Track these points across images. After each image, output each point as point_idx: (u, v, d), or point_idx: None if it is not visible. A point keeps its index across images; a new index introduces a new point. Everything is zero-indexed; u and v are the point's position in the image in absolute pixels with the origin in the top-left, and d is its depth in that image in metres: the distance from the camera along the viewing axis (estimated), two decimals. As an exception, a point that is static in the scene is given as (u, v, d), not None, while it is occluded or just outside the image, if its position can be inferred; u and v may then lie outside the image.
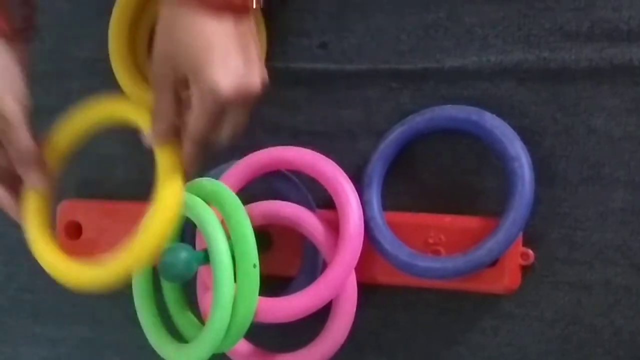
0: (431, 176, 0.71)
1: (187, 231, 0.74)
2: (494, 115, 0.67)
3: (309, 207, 0.70)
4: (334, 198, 0.68)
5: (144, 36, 0.79)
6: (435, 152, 0.71)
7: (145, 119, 0.63)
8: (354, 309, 0.69)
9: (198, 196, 0.66)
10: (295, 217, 0.69)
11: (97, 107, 0.67)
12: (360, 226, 0.67)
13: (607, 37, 0.66)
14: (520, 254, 0.66)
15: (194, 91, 0.56)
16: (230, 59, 0.56)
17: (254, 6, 0.58)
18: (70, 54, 0.84)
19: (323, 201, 0.70)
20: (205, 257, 0.65)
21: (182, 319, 0.73)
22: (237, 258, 0.64)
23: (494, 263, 0.66)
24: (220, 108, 0.57)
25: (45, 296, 0.88)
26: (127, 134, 0.75)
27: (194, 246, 0.71)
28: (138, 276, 0.71)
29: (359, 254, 0.67)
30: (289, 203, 0.70)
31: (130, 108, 0.66)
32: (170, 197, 0.62)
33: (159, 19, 0.57)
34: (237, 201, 0.65)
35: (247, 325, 0.65)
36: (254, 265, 0.63)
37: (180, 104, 0.58)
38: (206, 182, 0.67)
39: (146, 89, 0.75)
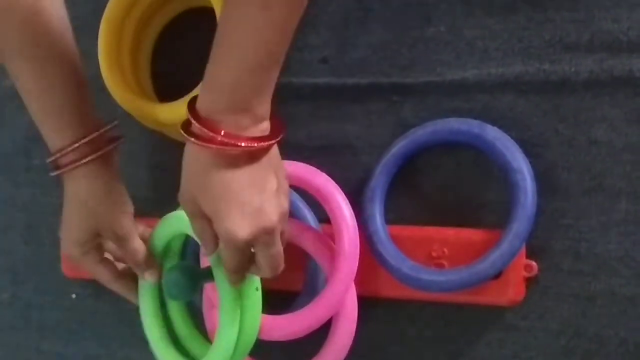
0: (434, 189, 0.71)
1: (190, 248, 0.74)
2: (496, 128, 0.67)
3: (311, 222, 0.71)
4: (329, 214, 0.68)
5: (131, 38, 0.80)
6: (438, 165, 0.71)
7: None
8: (354, 323, 0.69)
9: None
10: (295, 233, 0.69)
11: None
12: (356, 243, 0.67)
13: (607, 48, 0.66)
14: (524, 266, 0.66)
15: (217, 233, 0.59)
16: (245, 204, 0.57)
17: (274, 142, 0.59)
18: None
19: (325, 216, 0.70)
20: (210, 275, 0.66)
21: (189, 336, 0.74)
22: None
23: (497, 275, 0.66)
24: (244, 247, 0.59)
25: (51, 313, 0.88)
26: (130, 150, 0.76)
27: (197, 263, 0.71)
28: (145, 294, 0.72)
29: (355, 269, 0.67)
30: (292, 219, 0.70)
31: None
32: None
33: (185, 153, 0.59)
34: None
35: (250, 345, 0.65)
36: (257, 289, 0.63)
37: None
38: None
39: (135, 93, 0.77)
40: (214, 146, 0.56)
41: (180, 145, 0.80)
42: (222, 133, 0.55)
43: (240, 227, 0.57)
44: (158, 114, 0.74)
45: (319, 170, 0.69)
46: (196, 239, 0.63)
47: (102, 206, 0.68)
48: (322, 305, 0.66)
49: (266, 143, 0.57)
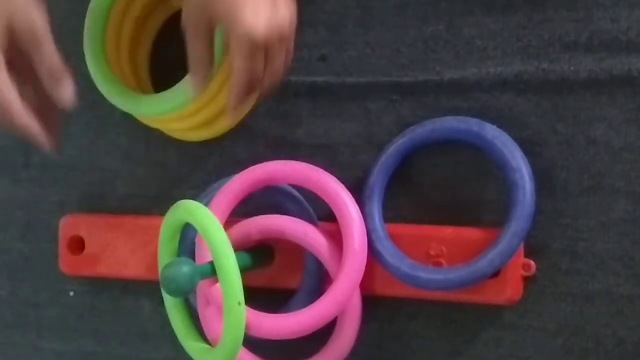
0: (432, 187, 0.71)
1: (186, 244, 0.74)
2: (495, 127, 0.67)
3: (311, 221, 0.71)
4: (335, 213, 0.68)
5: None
6: (436, 164, 0.71)
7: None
8: (359, 323, 0.69)
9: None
10: (297, 232, 0.69)
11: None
12: (364, 241, 0.67)
13: (606, 48, 0.66)
14: (521, 265, 0.66)
15: (231, 37, 0.59)
16: (259, 3, 0.58)
17: None
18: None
19: (324, 214, 0.71)
20: (207, 271, 0.66)
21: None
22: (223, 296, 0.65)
23: (495, 274, 0.66)
24: (258, 50, 0.59)
25: (49, 311, 0.88)
26: (129, 149, 0.76)
27: (193, 258, 0.71)
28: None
29: (363, 269, 0.67)
30: (291, 217, 0.71)
31: None
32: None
33: None
34: (224, 238, 0.65)
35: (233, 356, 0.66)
36: (239, 303, 0.63)
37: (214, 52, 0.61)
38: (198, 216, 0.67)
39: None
40: None
41: (178, 143, 0.81)
42: None
43: (257, 24, 0.58)
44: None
45: (323, 170, 0.69)
46: (210, 243, 0.63)
47: None
48: (331, 302, 0.66)
49: None
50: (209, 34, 0.60)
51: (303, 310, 0.67)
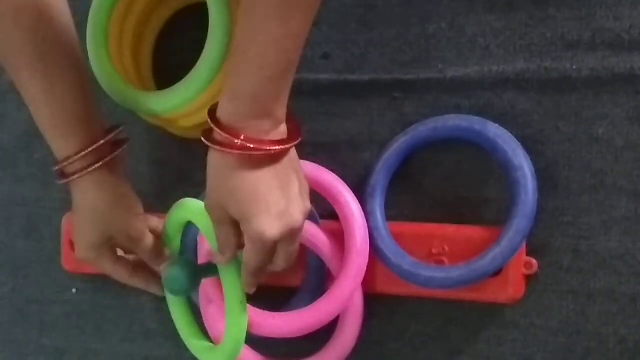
0: (434, 186, 0.71)
1: (188, 243, 0.74)
2: (497, 125, 0.67)
3: (313, 219, 0.71)
4: (337, 211, 0.68)
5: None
6: (438, 162, 0.71)
7: None
8: (361, 321, 0.70)
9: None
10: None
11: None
12: (366, 240, 0.67)
13: (608, 46, 0.66)
14: (523, 264, 0.66)
15: (245, 234, 0.60)
16: (272, 205, 0.59)
17: (295, 143, 0.61)
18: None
19: (326, 212, 0.71)
20: (209, 271, 0.66)
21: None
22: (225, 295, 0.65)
23: (497, 272, 0.66)
24: (270, 247, 0.61)
25: (52, 308, 0.88)
26: (131, 146, 0.75)
27: (195, 257, 0.71)
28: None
29: (365, 268, 0.67)
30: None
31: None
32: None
33: (208, 161, 0.61)
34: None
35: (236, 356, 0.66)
36: (240, 302, 0.64)
37: (241, 232, 0.62)
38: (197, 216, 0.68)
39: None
40: (236, 151, 0.57)
41: (181, 141, 0.81)
42: (243, 137, 0.57)
43: (270, 228, 0.59)
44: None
45: (325, 169, 0.70)
46: (212, 244, 0.64)
47: (113, 212, 0.68)
48: (333, 301, 0.66)
49: (288, 145, 0.59)
50: (231, 221, 0.61)
51: (305, 308, 0.67)
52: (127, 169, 0.71)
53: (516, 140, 0.66)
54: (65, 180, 0.68)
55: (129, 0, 0.78)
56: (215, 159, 0.60)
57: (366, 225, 0.68)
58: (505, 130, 0.67)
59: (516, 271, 0.66)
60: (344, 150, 0.74)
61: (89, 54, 0.76)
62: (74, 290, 0.87)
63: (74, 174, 0.67)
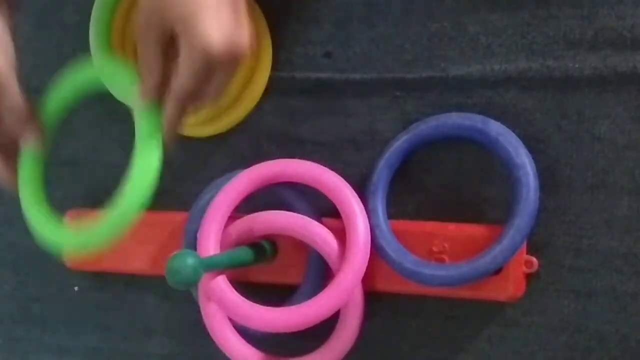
0: (436, 184, 0.71)
1: (189, 238, 0.74)
2: (499, 123, 0.67)
3: (314, 216, 0.71)
4: (339, 209, 0.68)
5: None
6: (440, 160, 0.71)
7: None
8: (361, 318, 0.70)
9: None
10: (300, 227, 0.70)
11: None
12: (367, 236, 0.68)
13: (611, 45, 0.66)
14: (524, 262, 0.66)
15: (182, 46, 0.54)
16: (222, 13, 0.54)
17: None
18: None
19: (327, 210, 0.71)
20: (211, 263, 0.66)
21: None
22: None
23: (498, 271, 0.66)
24: (209, 65, 0.54)
25: (54, 306, 0.89)
26: (133, 145, 0.75)
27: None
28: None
29: (366, 264, 0.67)
30: (294, 213, 0.71)
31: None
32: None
33: None
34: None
35: (148, 192, 0.62)
36: (154, 137, 0.59)
37: (167, 60, 0.56)
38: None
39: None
40: None
41: (185, 140, 0.81)
42: None
43: (216, 36, 0.53)
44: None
45: (326, 167, 0.70)
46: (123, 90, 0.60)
47: None
48: (333, 295, 0.66)
49: None
50: (161, 40, 0.55)
51: (304, 303, 0.67)
52: (119, 165, 0.69)
53: (518, 139, 0.66)
54: None
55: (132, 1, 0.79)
56: None
57: (367, 221, 0.68)
58: (507, 129, 0.67)
59: (517, 269, 0.66)
60: (346, 149, 0.74)
61: (92, 51, 0.76)
62: (76, 289, 0.87)
63: None
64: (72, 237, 0.67)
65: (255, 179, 0.71)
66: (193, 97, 0.57)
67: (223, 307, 0.69)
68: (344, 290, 0.67)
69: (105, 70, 0.68)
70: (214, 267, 0.66)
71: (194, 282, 0.63)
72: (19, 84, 0.61)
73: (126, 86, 0.68)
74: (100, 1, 0.76)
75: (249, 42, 0.56)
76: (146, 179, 0.61)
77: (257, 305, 0.68)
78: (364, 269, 0.67)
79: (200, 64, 0.54)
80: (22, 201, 0.67)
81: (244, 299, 0.68)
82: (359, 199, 0.68)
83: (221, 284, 0.69)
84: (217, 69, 0.55)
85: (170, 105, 0.57)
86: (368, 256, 0.67)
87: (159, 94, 0.57)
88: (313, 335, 0.69)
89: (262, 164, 0.71)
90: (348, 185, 0.69)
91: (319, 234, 0.69)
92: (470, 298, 0.68)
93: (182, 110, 0.58)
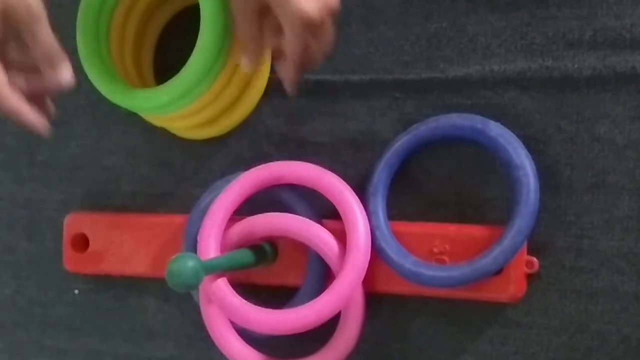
0: (436, 185, 0.71)
1: (189, 240, 0.74)
2: (499, 124, 0.67)
3: (314, 218, 0.71)
4: (340, 211, 0.68)
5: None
6: (440, 161, 0.71)
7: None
8: (362, 319, 0.70)
9: None
10: (300, 229, 0.70)
11: None
12: (368, 238, 0.68)
13: (610, 45, 0.66)
14: (525, 263, 0.66)
15: (282, 20, 0.61)
16: None
17: None
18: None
19: (327, 211, 0.71)
20: (212, 266, 0.66)
21: None
22: None
23: (499, 272, 0.66)
24: (309, 29, 0.61)
25: (54, 309, 0.88)
26: (132, 147, 0.76)
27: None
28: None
29: (366, 266, 0.67)
30: (295, 215, 0.71)
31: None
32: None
33: None
34: None
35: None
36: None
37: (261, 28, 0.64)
38: None
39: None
40: None
41: (183, 142, 0.81)
42: None
43: (308, 6, 0.60)
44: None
45: (326, 169, 0.70)
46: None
47: None
48: (333, 298, 0.66)
49: None
50: (258, 16, 0.62)
51: (305, 305, 0.67)
52: (124, 167, 0.69)
53: (518, 139, 0.66)
54: None
55: (129, 3, 0.78)
56: None
57: (368, 223, 0.68)
58: (507, 129, 0.67)
59: (517, 270, 0.66)
60: (346, 150, 0.74)
61: (80, 54, 0.75)
62: (76, 292, 0.87)
63: None
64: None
65: (256, 181, 0.71)
66: (306, 56, 0.64)
67: (224, 309, 0.69)
68: (345, 292, 0.67)
69: (95, 75, 0.69)
70: (214, 269, 0.66)
71: (195, 285, 0.63)
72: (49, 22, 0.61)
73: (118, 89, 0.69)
74: (83, 11, 0.75)
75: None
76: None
77: (258, 307, 0.68)
78: (364, 271, 0.67)
79: (301, 31, 0.61)
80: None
81: (244, 301, 0.68)
82: (359, 201, 0.68)
83: (222, 286, 0.69)
84: (317, 29, 0.62)
85: (289, 69, 0.65)
86: (368, 258, 0.67)
87: (260, 53, 0.65)
88: (314, 337, 0.69)
89: (262, 166, 0.71)
90: (348, 187, 0.69)
91: (320, 236, 0.69)
92: (471, 299, 0.68)
93: (300, 69, 0.65)
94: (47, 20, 0.60)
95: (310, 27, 0.61)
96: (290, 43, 0.62)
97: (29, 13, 0.59)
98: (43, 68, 0.61)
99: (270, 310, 0.68)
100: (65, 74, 0.62)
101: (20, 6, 0.58)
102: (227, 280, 0.69)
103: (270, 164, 0.71)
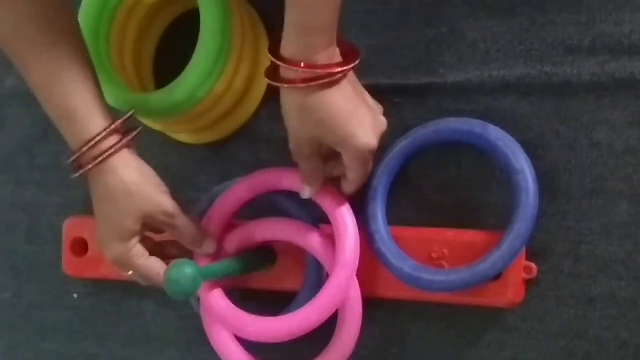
0: (435, 189, 0.71)
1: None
2: (498, 128, 0.67)
3: (313, 224, 0.71)
4: (331, 221, 0.68)
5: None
6: (440, 165, 0.71)
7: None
8: (360, 324, 0.69)
9: None
10: (299, 234, 0.70)
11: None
12: (356, 252, 0.67)
13: (608, 51, 0.66)
14: (523, 268, 0.66)
15: (346, 156, 0.65)
16: (362, 117, 0.64)
17: (357, 60, 0.64)
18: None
19: (326, 217, 0.70)
20: (210, 273, 0.66)
21: None
22: None
23: (498, 277, 0.65)
24: (373, 157, 0.67)
25: (53, 313, 0.89)
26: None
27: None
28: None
29: (352, 279, 0.67)
30: (293, 220, 0.71)
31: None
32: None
33: (286, 105, 0.63)
34: None
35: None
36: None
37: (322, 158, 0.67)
38: None
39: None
40: (319, 81, 0.61)
41: (183, 146, 0.81)
42: (320, 66, 0.61)
43: (371, 138, 0.64)
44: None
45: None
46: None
47: (145, 187, 0.66)
48: (315, 309, 0.66)
49: (357, 61, 0.64)
50: (320, 157, 0.66)
51: (290, 314, 0.66)
52: None
53: (517, 144, 0.66)
54: (86, 168, 0.65)
55: (130, 6, 0.79)
56: (295, 99, 0.62)
57: (358, 235, 0.67)
58: (506, 134, 0.67)
59: (516, 275, 0.66)
60: (345, 155, 0.74)
61: None
62: (75, 296, 0.87)
63: (100, 155, 0.65)
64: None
65: (254, 187, 0.71)
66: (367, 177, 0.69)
67: (221, 320, 0.68)
68: (329, 303, 0.66)
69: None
70: (212, 275, 0.66)
71: (193, 292, 0.63)
72: (183, 212, 0.68)
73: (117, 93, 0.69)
74: (85, 11, 0.76)
75: (385, 119, 0.68)
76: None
77: (245, 313, 0.67)
78: (349, 285, 0.66)
79: (365, 162, 0.66)
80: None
81: (237, 309, 0.68)
82: (351, 212, 0.68)
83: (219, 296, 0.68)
84: (376, 153, 0.67)
85: (350, 189, 0.68)
86: (355, 272, 0.67)
87: (322, 186, 0.68)
88: (312, 341, 0.69)
89: (261, 172, 0.71)
90: (343, 195, 0.68)
91: (317, 241, 0.69)
92: (469, 304, 0.68)
93: (360, 187, 0.69)
94: (182, 215, 0.68)
95: (372, 154, 0.65)
96: (356, 173, 0.66)
97: (165, 215, 0.67)
98: (189, 247, 0.70)
99: (257, 318, 0.67)
100: (209, 249, 0.70)
101: (157, 213, 0.67)
102: (221, 289, 0.69)
103: (266, 170, 0.71)
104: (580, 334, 0.66)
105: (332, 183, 0.69)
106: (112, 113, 0.68)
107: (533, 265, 0.66)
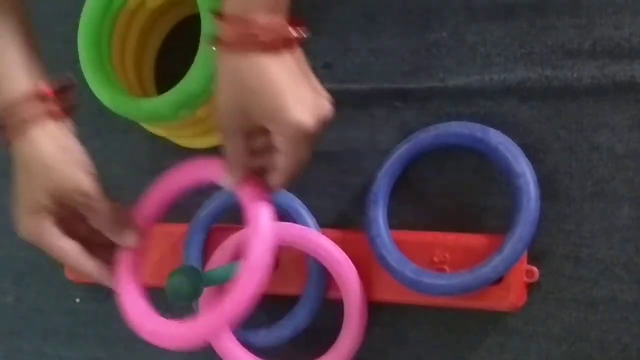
0: (436, 193, 0.71)
1: (191, 253, 0.74)
2: (499, 132, 0.67)
3: (314, 227, 0.71)
4: (247, 217, 0.62)
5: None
6: (440, 169, 0.71)
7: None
8: (363, 327, 0.70)
9: None
10: (300, 238, 0.70)
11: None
12: (267, 255, 0.60)
13: (609, 54, 0.66)
14: (525, 272, 0.66)
15: (277, 136, 0.57)
16: (301, 95, 0.57)
17: (305, 36, 0.58)
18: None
19: (327, 221, 0.71)
20: (212, 279, 0.66)
21: None
22: None
23: (499, 280, 0.66)
24: (306, 142, 0.57)
25: (55, 317, 0.89)
26: (134, 157, 0.76)
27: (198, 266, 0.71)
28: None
29: (261, 283, 0.60)
30: (294, 224, 0.71)
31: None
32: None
33: (221, 69, 0.57)
34: None
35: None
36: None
37: (250, 149, 0.59)
38: None
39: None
40: (257, 45, 0.55)
41: (183, 150, 0.81)
42: (260, 28, 0.54)
43: (307, 118, 0.56)
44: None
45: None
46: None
47: (65, 162, 0.62)
48: (227, 309, 0.60)
49: (305, 34, 0.57)
50: (246, 136, 0.58)
51: (192, 319, 0.62)
52: (124, 176, 0.69)
53: (518, 147, 0.66)
54: (7, 134, 0.62)
55: (132, 11, 0.79)
56: (229, 62, 0.56)
57: (271, 242, 0.60)
58: (507, 137, 0.67)
59: (517, 279, 0.66)
60: (346, 159, 0.75)
61: (81, 63, 0.75)
62: (77, 300, 0.88)
63: (19, 123, 0.61)
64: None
65: (181, 179, 0.67)
66: (300, 170, 0.59)
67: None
68: (234, 309, 0.60)
69: (96, 84, 0.69)
70: (213, 281, 0.66)
71: (194, 299, 0.63)
72: (104, 196, 0.63)
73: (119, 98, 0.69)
74: (86, 15, 0.76)
75: (329, 104, 0.59)
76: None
77: (162, 319, 0.63)
78: (258, 289, 0.60)
79: (301, 145, 0.57)
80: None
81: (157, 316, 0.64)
82: (268, 214, 0.61)
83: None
84: (313, 140, 0.58)
85: (279, 181, 0.60)
86: (263, 277, 0.60)
87: (247, 178, 0.60)
88: (315, 345, 0.69)
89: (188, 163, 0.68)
90: (263, 187, 0.62)
91: (319, 245, 0.69)
92: (471, 308, 0.68)
93: (291, 182, 0.60)
94: (101, 197, 0.63)
95: (307, 138, 0.57)
96: (287, 157, 0.57)
97: (81, 194, 0.62)
98: (108, 235, 0.64)
99: (169, 322, 0.63)
100: (128, 240, 0.64)
101: (72, 191, 0.62)
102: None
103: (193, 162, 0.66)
104: (581, 337, 0.67)
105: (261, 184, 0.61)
106: (49, 83, 0.64)
107: (535, 269, 0.66)
